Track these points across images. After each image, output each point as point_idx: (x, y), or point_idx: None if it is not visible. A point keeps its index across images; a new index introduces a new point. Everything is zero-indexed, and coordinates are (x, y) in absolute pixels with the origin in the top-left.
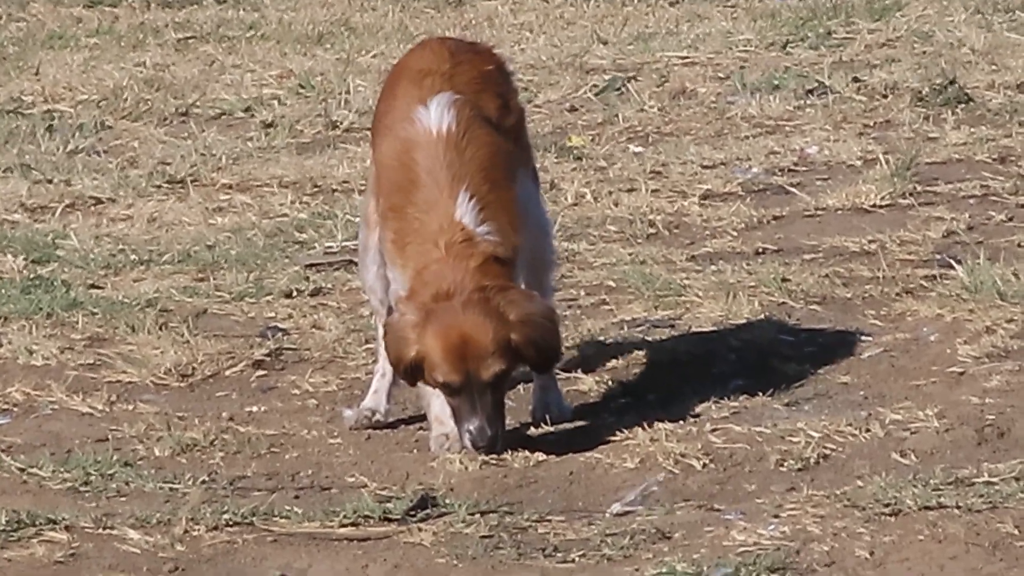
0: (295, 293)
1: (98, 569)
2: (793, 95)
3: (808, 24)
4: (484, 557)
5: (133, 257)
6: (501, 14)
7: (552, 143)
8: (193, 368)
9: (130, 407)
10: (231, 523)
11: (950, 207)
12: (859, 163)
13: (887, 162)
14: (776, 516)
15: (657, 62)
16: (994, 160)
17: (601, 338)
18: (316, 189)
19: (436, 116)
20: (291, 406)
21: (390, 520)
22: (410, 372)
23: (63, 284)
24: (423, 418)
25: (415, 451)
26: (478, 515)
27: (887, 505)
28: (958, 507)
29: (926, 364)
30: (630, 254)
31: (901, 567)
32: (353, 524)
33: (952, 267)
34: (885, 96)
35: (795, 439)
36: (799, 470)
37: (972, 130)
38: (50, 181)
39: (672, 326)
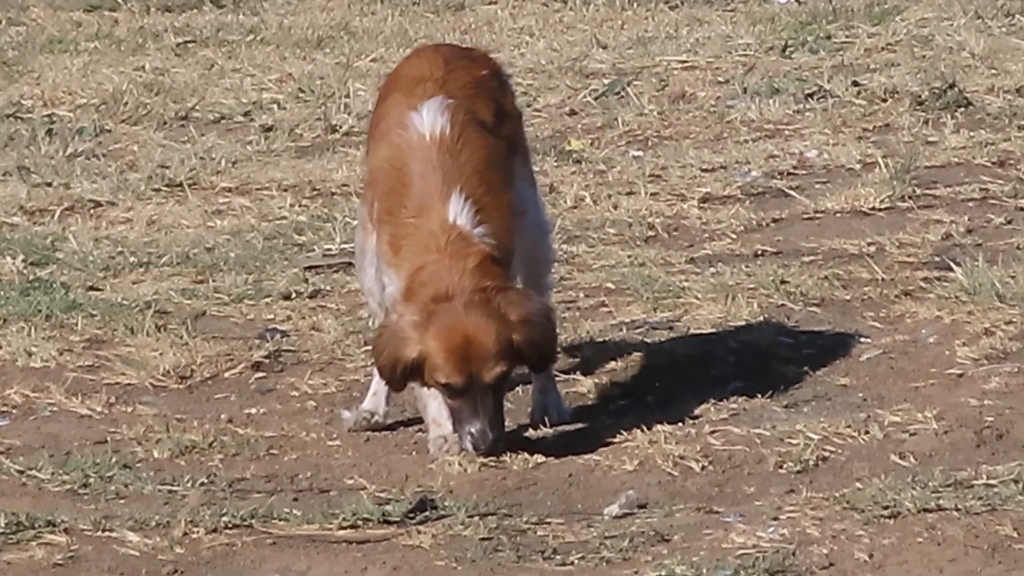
0: (294, 295)
1: (97, 571)
2: (793, 99)
3: (808, 28)
4: (483, 559)
5: (132, 259)
6: (501, 18)
7: (552, 147)
8: (192, 370)
9: (129, 409)
10: (230, 525)
11: (949, 210)
12: (858, 166)
13: (886, 165)
14: (775, 518)
15: (657, 66)
16: (993, 164)
17: (600, 340)
18: (315, 192)
19: (429, 120)
20: (290, 408)
21: (389, 522)
22: (407, 373)
23: (62, 286)
24: (422, 420)
25: (414, 453)
26: (477, 517)
27: (886, 507)
28: (957, 509)
29: (925, 366)
30: (629, 256)
31: (900, 569)
32: (352, 526)
33: (951, 269)
34: (884, 100)
35: (794, 441)
36: (798, 472)
37: (971, 134)
38: (49, 184)
39: (671, 328)
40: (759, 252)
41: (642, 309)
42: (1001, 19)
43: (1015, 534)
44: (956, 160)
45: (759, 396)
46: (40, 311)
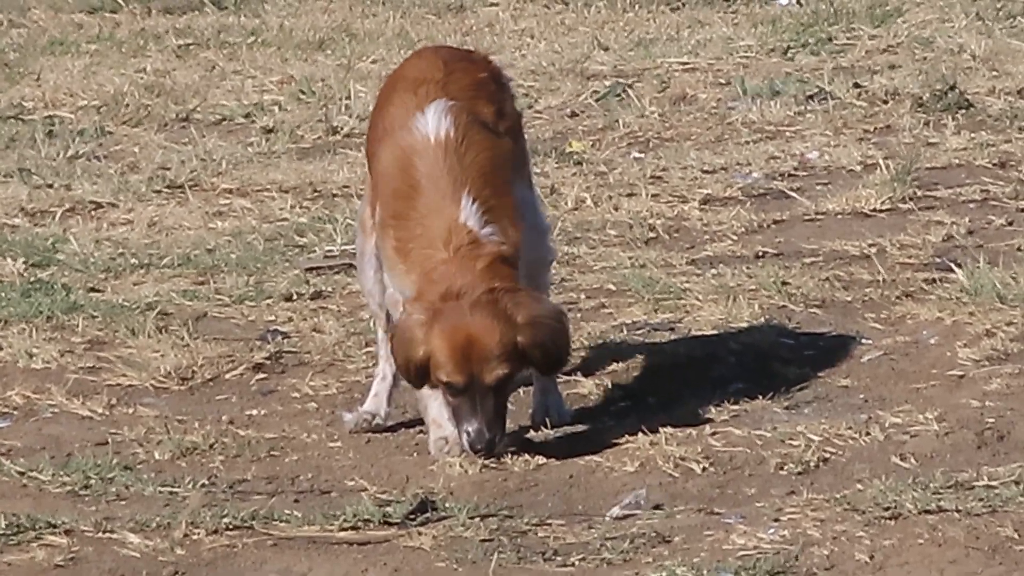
0: (295, 296)
1: (98, 573)
2: (794, 100)
3: (809, 30)
4: (484, 561)
5: (133, 261)
6: (502, 20)
7: (553, 148)
8: (193, 371)
9: (130, 410)
10: (231, 527)
11: (950, 211)
12: (859, 168)
13: (887, 167)
14: (776, 520)
15: (658, 68)
16: (994, 165)
17: (601, 341)
18: (316, 194)
19: (434, 123)
20: (291, 409)
21: (390, 524)
22: (418, 373)
23: (63, 288)
24: (423, 421)
25: (415, 455)
26: (478, 519)
27: (887, 509)
28: (958, 511)
29: (926, 367)
30: (630, 258)
31: (901, 571)
32: (353, 528)
33: (952, 271)
34: (886, 102)
35: (795, 443)
36: (799, 474)
37: (972, 135)
38: (50, 186)
39: (672, 329)
40: (760, 253)
41: (643, 310)
42: (1002, 21)
43: (1016, 535)
44: (957, 162)
45: (760, 397)
46: (41, 312)
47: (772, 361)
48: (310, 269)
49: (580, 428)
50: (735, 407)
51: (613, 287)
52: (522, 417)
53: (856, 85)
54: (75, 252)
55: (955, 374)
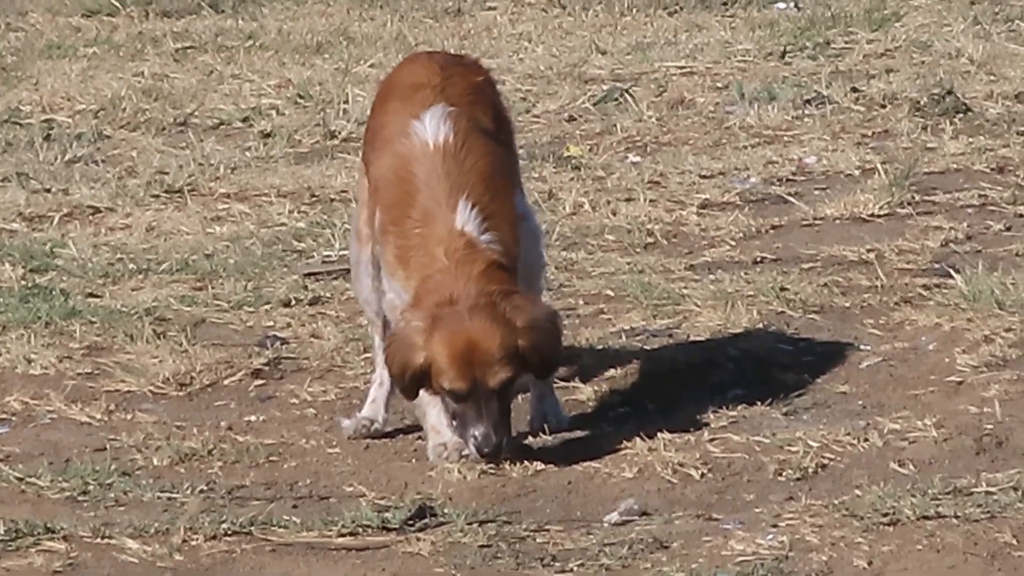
0: (293, 302)
1: None
2: (791, 105)
3: (806, 34)
4: (482, 567)
5: (131, 266)
6: (500, 24)
7: (550, 153)
8: (191, 377)
9: (128, 416)
10: (229, 532)
11: (948, 216)
12: (857, 173)
13: (885, 172)
14: (774, 525)
15: (655, 72)
16: (992, 170)
17: (599, 347)
18: (314, 198)
19: (432, 128)
20: (289, 415)
21: (388, 529)
22: (416, 380)
23: (61, 293)
24: (422, 427)
25: (413, 460)
26: (476, 524)
27: (885, 515)
28: (956, 517)
29: (924, 373)
30: (628, 263)
31: None
32: (351, 534)
33: (950, 276)
34: (883, 106)
35: (793, 448)
36: (797, 479)
37: (970, 140)
38: (48, 190)
39: (670, 335)
40: (758, 259)
41: (641, 316)
42: (1000, 25)
43: (1014, 541)
44: (955, 166)
45: (758, 403)
46: (39, 318)
47: (770, 367)
48: (308, 274)
49: (578, 434)
50: (733, 413)
51: (611, 293)
52: (520, 423)
53: (854, 89)
54: (73, 257)
55: (954, 380)
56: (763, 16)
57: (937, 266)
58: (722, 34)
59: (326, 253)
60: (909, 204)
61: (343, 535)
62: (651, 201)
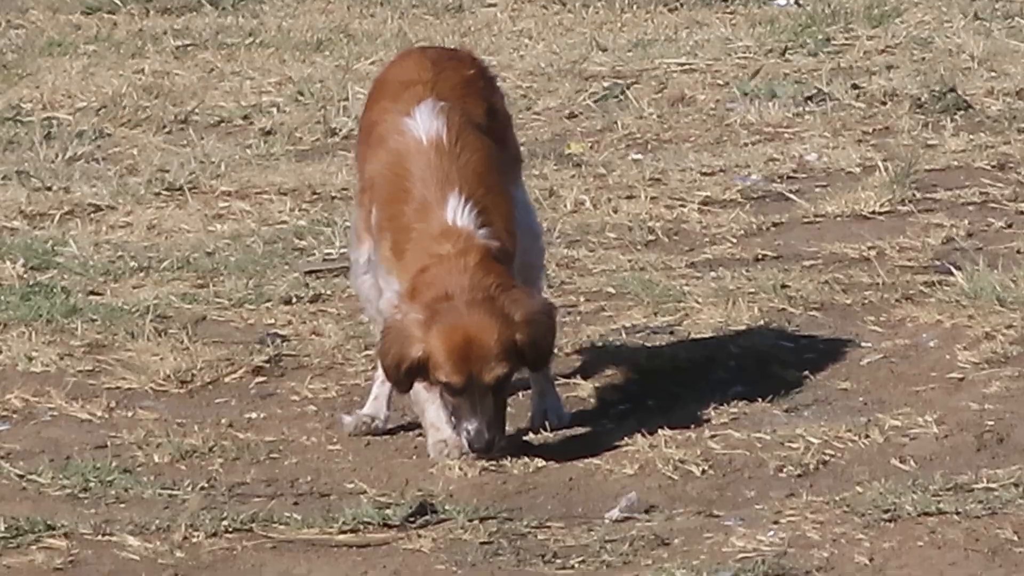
0: (294, 299)
1: None
2: (792, 102)
3: (807, 31)
4: (483, 563)
5: (132, 264)
6: (500, 21)
7: (551, 150)
8: (192, 374)
9: (129, 413)
10: (230, 529)
11: (949, 214)
12: (858, 170)
13: (886, 169)
14: (775, 522)
15: (656, 69)
16: (993, 167)
17: (600, 344)
18: (315, 196)
19: (425, 124)
20: (290, 412)
21: (389, 526)
22: (411, 373)
23: (62, 291)
24: (422, 424)
25: (414, 457)
26: (477, 521)
27: (886, 511)
28: (957, 513)
29: (925, 370)
30: (629, 261)
31: (900, 573)
32: (352, 530)
33: (951, 273)
34: (884, 103)
35: (794, 445)
36: (798, 476)
37: (971, 137)
38: (49, 188)
39: (671, 332)
40: (759, 256)
41: (642, 313)
42: (1001, 21)
43: (1015, 537)
44: (956, 163)
45: (759, 400)
46: (40, 315)
47: (771, 364)
48: (309, 272)
49: (579, 431)
50: (734, 410)
51: (612, 290)
52: (521, 420)
53: (855, 86)
54: (74, 255)
55: (954, 377)
56: (763, 13)
57: (938, 263)
58: (722, 31)
59: (327, 251)
60: (910, 201)
61: (344, 532)
62: (652, 198)
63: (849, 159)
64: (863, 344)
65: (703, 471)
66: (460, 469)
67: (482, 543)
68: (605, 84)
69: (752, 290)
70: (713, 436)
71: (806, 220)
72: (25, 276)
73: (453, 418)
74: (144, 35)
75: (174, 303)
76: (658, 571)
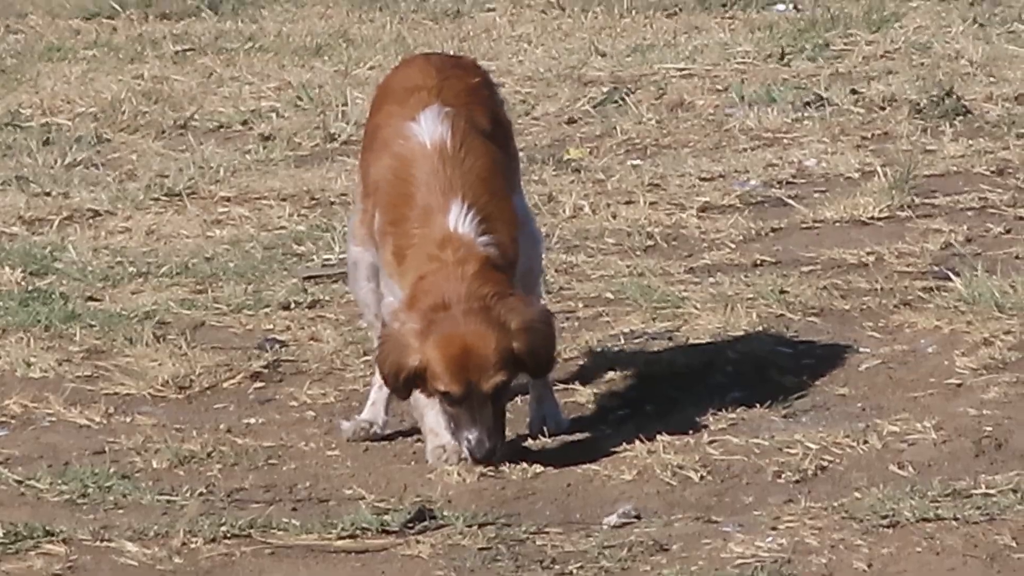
0: (293, 305)
1: None
2: (791, 107)
3: (806, 36)
4: (482, 569)
5: (131, 269)
6: (499, 26)
7: (550, 155)
8: (191, 380)
9: (128, 419)
10: (229, 535)
11: (948, 219)
12: (857, 175)
13: (885, 174)
14: (774, 528)
15: (655, 74)
16: (992, 172)
17: (599, 350)
18: (314, 201)
19: (429, 129)
20: (289, 418)
21: (388, 532)
22: (409, 382)
23: (61, 296)
24: (421, 430)
25: (413, 463)
26: (476, 527)
27: (885, 517)
28: (956, 519)
29: (924, 376)
30: (628, 266)
31: None
32: (351, 536)
33: (950, 279)
34: (883, 108)
35: (793, 451)
36: (797, 482)
37: (970, 142)
38: (48, 194)
39: (670, 338)
40: (758, 262)
41: (641, 319)
42: (999, 27)
43: (1014, 543)
44: (955, 169)
45: (758, 406)
46: (39, 321)
47: (770, 370)
48: (308, 278)
49: (578, 437)
50: (733, 416)
51: (611, 296)
52: (519, 426)
53: (853, 91)
54: (73, 261)
55: (953, 383)
56: (762, 18)
57: (936, 269)
58: (721, 36)
59: (326, 256)
60: (909, 207)
61: (342, 538)
62: (651, 204)
63: (848, 164)
64: (861, 350)
65: (701, 477)
66: (459, 475)
67: (481, 549)
68: (604, 89)
69: (751, 296)
70: (711, 442)
71: (805, 225)
72: (24, 282)
73: (453, 427)
74: (143, 40)
75: (173, 309)
76: None
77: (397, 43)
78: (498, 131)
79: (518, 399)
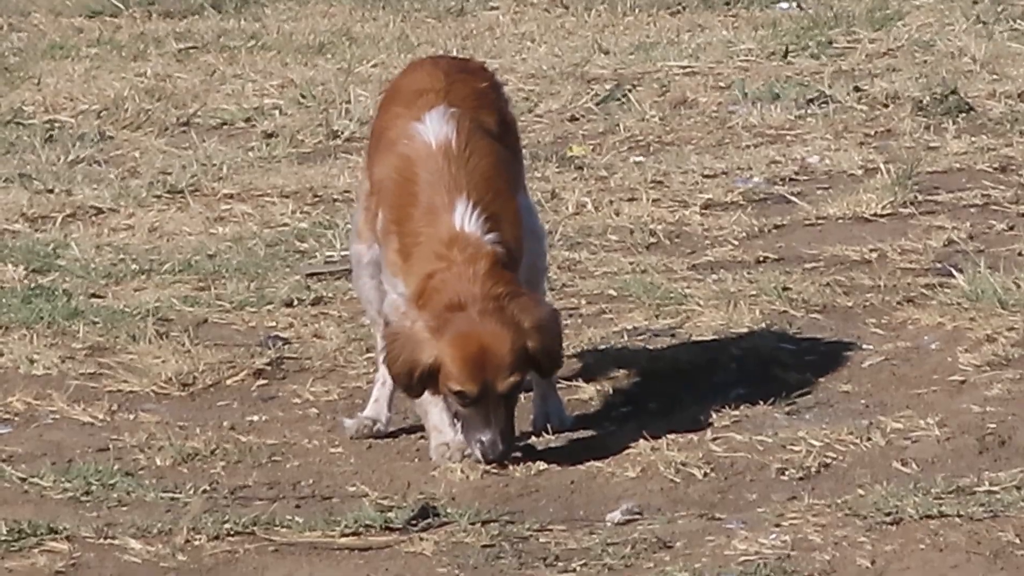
0: (296, 302)
1: None
2: (794, 104)
3: (809, 33)
4: (485, 566)
5: (134, 267)
6: (502, 24)
7: (553, 152)
8: (194, 377)
9: (131, 416)
10: (232, 532)
11: (951, 216)
12: (860, 172)
13: (888, 171)
14: (777, 525)
15: (658, 71)
16: (995, 169)
17: (602, 347)
18: (317, 199)
19: (435, 129)
20: (292, 415)
21: (391, 529)
22: (423, 379)
23: (64, 293)
24: (424, 427)
25: (416, 460)
26: (479, 524)
27: (888, 514)
28: (959, 516)
29: (927, 373)
30: (631, 263)
31: None
32: (354, 533)
33: (953, 276)
34: (886, 105)
35: (796, 448)
36: (800, 479)
37: (973, 139)
38: (51, 191)
39: (673, 335)
40: (761, 259)
41: (644, 316)
42: (1002, 24)
43: (1017, 540)
44: (958, 166)
45: (761, 403)
46: (42, 318)
47: (773, 366)
48: (311, 275)
49: (581, 434)
50: (736, 412)
51: (614, 292)
52: (523, 423)
53: (856, 89)
54: (76, 258)
55: (956, 379)
56: (765, 15)
57: (940, 266)
58: (724, 34)
59: (328, 253)
60: (912, 204)
61: (346, 535)
62: (654, 201)
63: (851, 161)
64: (865, 346)
65: (705, 474)
66: (462, 472)
67: (484, 546)
68: (607, 87)
69: (754, 292)
70: (715, 439)
71: (808, 222)
72: (27, 279)
73: (463, 427)
74: (146, 38)
75: (176, 306)
76: (660, 574)
77: (400, 41)
78: (504, 133)
79: (521, 396)
